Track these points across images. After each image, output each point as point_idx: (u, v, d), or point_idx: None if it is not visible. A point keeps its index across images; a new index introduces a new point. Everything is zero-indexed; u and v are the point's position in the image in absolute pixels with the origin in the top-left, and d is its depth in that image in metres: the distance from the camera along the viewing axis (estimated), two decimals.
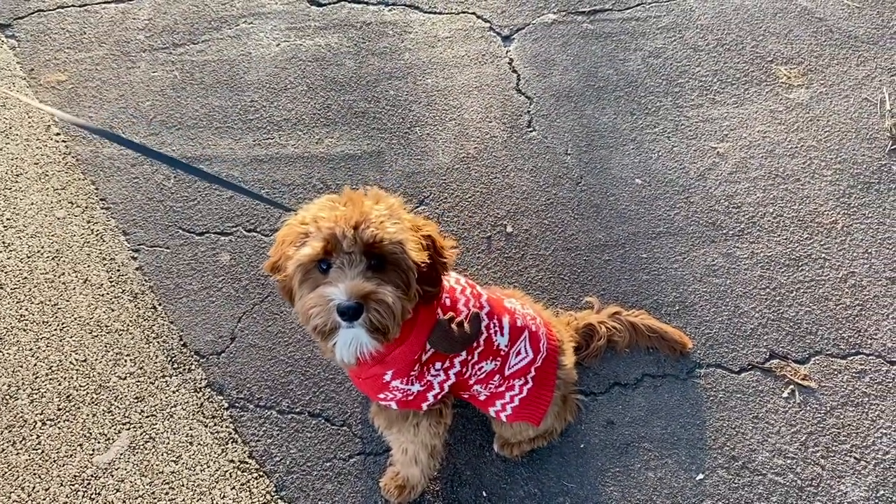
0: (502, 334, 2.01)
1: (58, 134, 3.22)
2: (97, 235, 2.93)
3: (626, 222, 2.89)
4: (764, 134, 3.10)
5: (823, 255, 2.77)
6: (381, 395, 1.93)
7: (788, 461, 2.39)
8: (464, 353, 1.93)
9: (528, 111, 3.21)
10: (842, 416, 2.46)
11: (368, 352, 1.70)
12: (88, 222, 2.96)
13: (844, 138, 3.06)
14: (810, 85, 3.24)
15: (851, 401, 2.48)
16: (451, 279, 1.99)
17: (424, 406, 1.97)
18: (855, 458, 2.39)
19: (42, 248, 2.90)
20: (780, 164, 3.01)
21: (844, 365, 2.55)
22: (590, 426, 2.47)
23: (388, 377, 1.86)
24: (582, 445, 2.44)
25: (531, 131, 3.15)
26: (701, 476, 2.38)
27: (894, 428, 2.43)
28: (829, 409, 2.47)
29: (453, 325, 1.84)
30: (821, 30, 3.42)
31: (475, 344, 1.93)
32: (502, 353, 2.02)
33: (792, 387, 2.52)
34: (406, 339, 1.82)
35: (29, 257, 2.87)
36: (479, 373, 2.02)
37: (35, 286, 2.81)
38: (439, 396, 1.98)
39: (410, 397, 1.92)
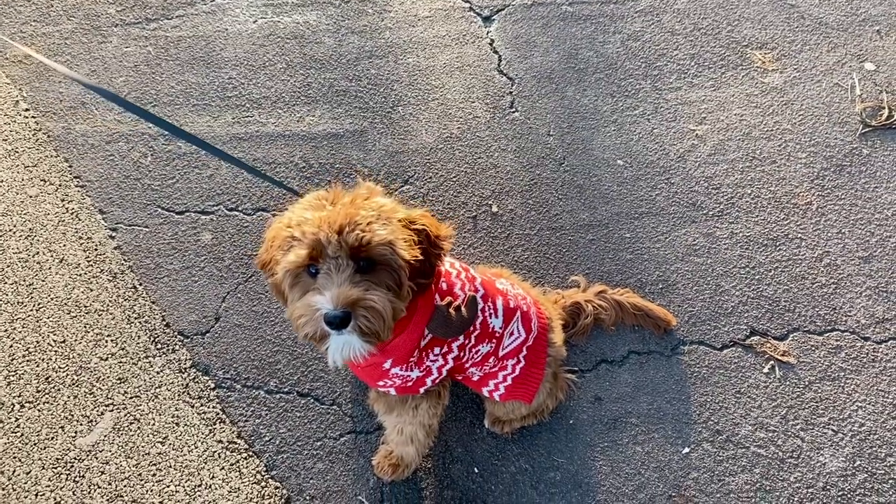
0: (497, 316, 2.02)
1: (27, 110, 3.11)
2: (72, 214, 2.85)
3: (609, 203, 2.92)
4: (741, 117, 3.16)
5: (799, 235, 2.85)
6: (381, 383, 1.93)
7: (770, 434, 2.46)
8: (461, 338, 1.93)
9: (510, 92, 3.22)
10: (820, 391, 2.53)
11: (361, 355, 1.65)
12: (63, 200, 2.88)
13: (818, 122, 3.14)
14: (784, 70, 3.31)
15: (828, 375, 2.56)
16: (445, 263, 1.98)
17: (422, 390, 1.97)
18: (833, 430, 2.47)
19: (14, 226, 2.81)
20: (757, 146, 3.07)
21: (821, 341, 2.63)
22: (578, 402, 2.51)
23: (387, 365, 1.85)
24: (571, 421, 2.48)
25: (513, 112, 3.16)
26: (687, 450, 2.44)
27: (869, 401, 2.52)
28: (807, 383, 2.55)
29: (451, 310, 1.83)
30: (793, 16, 3.49)
31: (472, 328, 1.93)
32: (497, 334, 2.03)
33: (772, 362, 2.58)
34: (405, 328, 1.80)
35: (0, 236, 2.78)
36: (475, 356, 2.03)
37: (8, 266, 2.72)
38: (437, 381, 1.98)
39: (409, 383, 1.91)
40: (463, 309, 1.84)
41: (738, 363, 2.59)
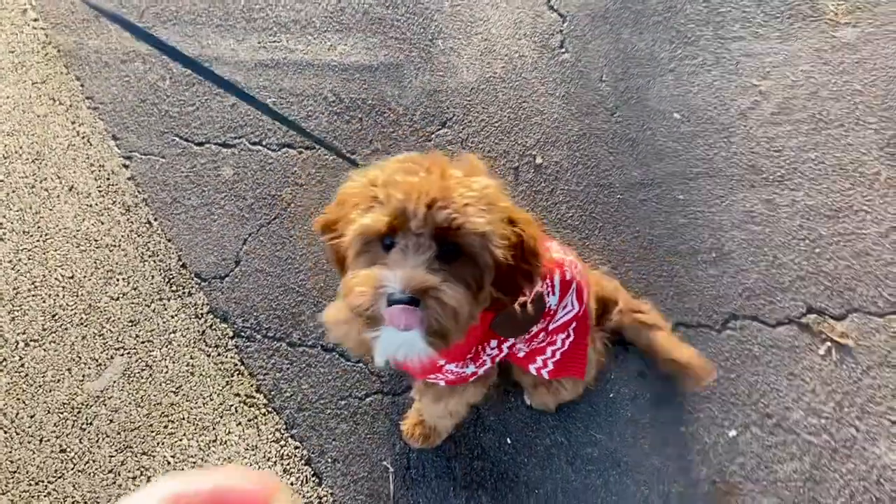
0: (553, 293, 1.81)
1: (36, 20, 2.86)
2: (83, 138, 2.63)
3: (664, 160, 2.70)
4: (808, 74, 2.91)
5: (865, 207, 2.64)
6: (431, 377, 1.74)
7: (823, 421, 2.30)
8: None
9: (561, 30, 2.95)
10: (879, 377, 2.37)
11: (420, 358, 1.40)
12: (73, 123, 2.66)
13: (892, 83, 2.89)
14: (858, 23, 3.04)
15: (889, 361, 2.39)
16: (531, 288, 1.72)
17: (472, 379, 1.79)
18: (890, 420, 2.31)
19: (21, 148, 2.60)
20: (824, 107, 2.83)
21: (882, 324, 2.45)
22: (620, 376, 2.34)
23: (441, 362, 1.66)
24: (612, 395, 2.32)
25: (563, 53, 2.90)
26: (734, 433, 2.29)
27: None
28: (865, 368, 2.38)
29: (517, 307, 1.61)
30: None
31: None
32: (552, 311, 1.84)
33: (829, 344, 2.41)
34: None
35: (6, 157, 2.57)
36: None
37: (14, 191, 2.52)
38: (489, 369, 1.80)
39: (462, 376, 1.73)
40: (529, 306, 1.63)
41: (792, 343, 2.41)
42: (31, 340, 2.30)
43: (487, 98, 2.78)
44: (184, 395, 2.25)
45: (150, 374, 2.27)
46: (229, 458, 2.17)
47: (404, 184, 1.34)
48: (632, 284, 2.47)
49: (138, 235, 2.48)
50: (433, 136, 2.70)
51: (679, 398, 2.32)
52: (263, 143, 2.66)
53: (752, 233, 2.58)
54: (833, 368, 2.38)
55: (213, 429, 2.21)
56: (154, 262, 2.44)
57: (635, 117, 2.78)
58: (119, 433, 2.19)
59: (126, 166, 2.60)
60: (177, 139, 2.64)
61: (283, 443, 2.20)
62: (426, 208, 1.30)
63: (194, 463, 2.17)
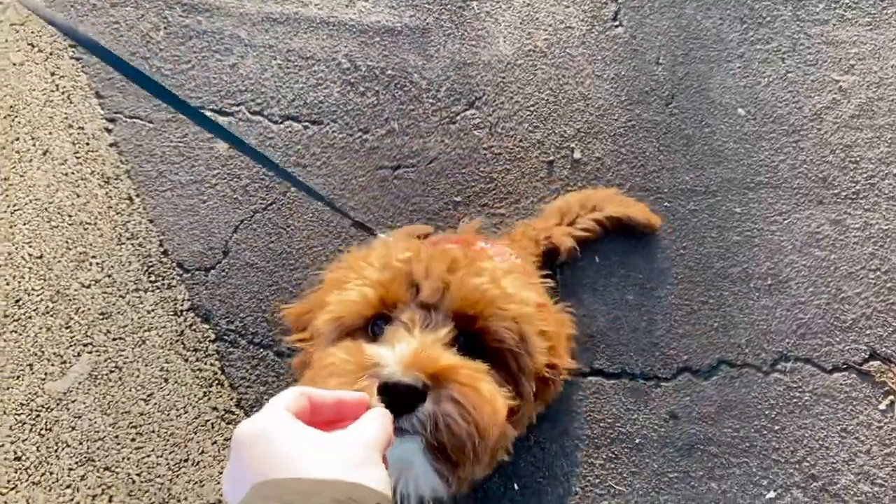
0: None
1: None
2: (63, 93, 2.32)
3: (721, 164, 2.34)
4: None
5: None
6: None
7: (876, 489, 2.01)
8: None
9: (616, 0, 2.55)
10: None
11: (425, 496, 1.03)
12: (52, 74, 2.34)
13: None
14: None
15: None
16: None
17: None
18: None
19: None
20: None
21: None
22: (649, 418, 2.06)
23: None
24: (637, 441, 2.04)
25: (617, 27, 2.51)
26: (772, 494, 2.01)
27: None
28: None
29: None
30: None
31: None
32: None
33: (892, 397, 2.10)
34: None
35: None
36: None
37: None
38: None
39: None
40: None
41: (848, 393, 2.10)
42: None
43: (525, 76, 2.42)
44: (155, 404, 2.00)
45: (120, 378, 2.02)
46: (201, 482, 1.93)
47: (410, 245, 1.03)
48: (671, 311, 2.16)
49: (117, 213, 2.19)
50: (458, 117, 2.35)
51: (714, 447, 2.03)
52: (265, 112, 2.33)
53: (814, 258, 2.24)
54: (894, 427, 2.07)
55: (185, 446, 1.97)
56: (132, 245, 2.16)
57: (693, 110, 2.40)
58: (81, 443, 1.96)
59: (108, 130, 2.29)
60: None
61: None
62: (446, 272, 0.97)
63: (161, 485, 1.94)
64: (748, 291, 2.18)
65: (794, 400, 2.09)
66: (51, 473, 1.93)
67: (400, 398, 0.85)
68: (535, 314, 1.01)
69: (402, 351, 0.89)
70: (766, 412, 2.07)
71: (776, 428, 2.06)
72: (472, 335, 0.98)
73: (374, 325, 1.00)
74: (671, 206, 2.28)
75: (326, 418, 0.73)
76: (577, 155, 2.33)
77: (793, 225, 2.28)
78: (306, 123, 2.32)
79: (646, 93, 2.43)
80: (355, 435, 0.71)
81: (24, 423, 1.97)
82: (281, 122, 2.32)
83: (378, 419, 0.74)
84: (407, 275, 0.97)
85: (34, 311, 2.07)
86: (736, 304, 2.18)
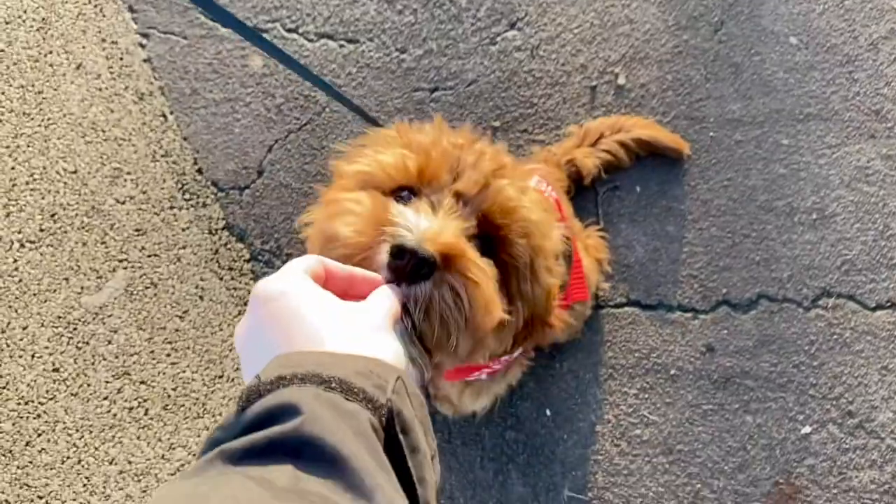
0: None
1: None
2: (96, 7, 2.27)
3: (770, 94, 2.25)
4: None
5: None
6: (470, 377, 1.41)
7: None
8: None
9: None
10: None
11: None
12: None
13: None
14: None
15: None
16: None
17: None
18: None
19: (24, 12, 2.25)
20: None
21: None
22: (685, 350, 2.03)
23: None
24: (672, 371, 2.02)
25: None
26: (807, 429, 1.99)
27: None
28: None
29: None
30: None
31: None
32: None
33: None
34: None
35: (7, 23, 2.24)
36: None
37: (15, 63, 2.20)
38: None
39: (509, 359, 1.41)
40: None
41: (891, 331, 2.06)
42: (26, 241, 2.05)
43: None
44: (190, 321, 2.01)
45: (155, 294, 2.02)
46: (235, 398, 1.95)
47: (466, 135, 1.00)
48: (712, 243, 2.11)
49: (151, 130, 2.16)
50: (499, 38, 2.28)
51: (750, 381, 2.01)
52: (300, 30, 2.27)
53: (863, 194, 2.17)
54: None
55: (221, 363, 1.98)
56: (167, 163, 2.13)
57: (743, 37, 2.30)
58: (117, 357, 1.98)
59: (142, 45, 2.25)
60: (201, 18, 2.26)
61: None
62: (491, 173, 0.95)
63: (196, 399, 1.95)
64: (792, 226, 2.12)
65: (835, 336, 2.05)
66: (88, 385, 1.96)
67: (406, 268, 0.81)
68: (554, 252, 1.00)
69: (428, 222, 0.86)
70: (806, 348, 2.04)
71: (815, 364, 2.03)
72: (489, 241, 0.95)
73: (400, 191, 0.97)
74: (717, 136, 2.20)
75: (335, 291, 0.72)
76: (621, 81, 2.25)
77: (841, 159, 2.20)
78: (342, 42, 2.26)
79: (694, 18, 2.33)
80: (375, 307, 0.73)
81: (62, 336, 1.99)
82: (316, 41, 2.26)
83: (392, 296, 0.77)
84: (455, 159, 0.94)
85: (70, 225, 2.06)
86: (779, 238, 2.13)
